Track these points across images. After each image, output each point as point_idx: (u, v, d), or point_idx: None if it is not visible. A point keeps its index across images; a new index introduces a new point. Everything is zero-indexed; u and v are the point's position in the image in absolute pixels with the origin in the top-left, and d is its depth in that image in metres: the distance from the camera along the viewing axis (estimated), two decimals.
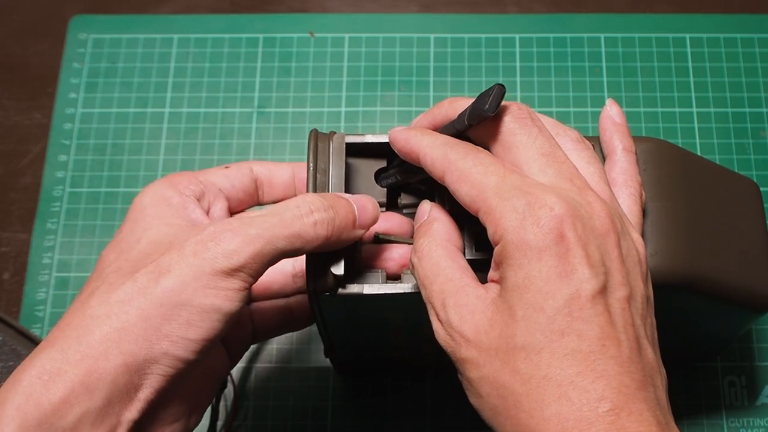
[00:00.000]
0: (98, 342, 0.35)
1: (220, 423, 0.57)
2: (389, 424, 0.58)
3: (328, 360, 0.59)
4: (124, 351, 0.34)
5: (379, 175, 0.45)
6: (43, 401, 0.33)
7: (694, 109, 0.67)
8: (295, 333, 0.60)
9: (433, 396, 0.58)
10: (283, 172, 0.46)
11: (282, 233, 0.37)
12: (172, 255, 0.36)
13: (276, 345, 0.60)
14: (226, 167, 0.44)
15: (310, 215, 0.37)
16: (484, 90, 0.36)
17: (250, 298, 0.40)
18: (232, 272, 0.36)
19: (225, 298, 0.36)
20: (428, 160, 0.37)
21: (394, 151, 0.40)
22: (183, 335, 0.35)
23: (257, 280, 0.37)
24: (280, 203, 0.38)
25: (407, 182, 0.44)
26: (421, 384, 0.59)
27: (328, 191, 0.41)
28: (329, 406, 0.58)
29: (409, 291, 0.40)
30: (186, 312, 0.35)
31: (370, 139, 0.43)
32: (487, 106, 0.35)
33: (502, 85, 0.35)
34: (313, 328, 0.60)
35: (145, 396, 0.35)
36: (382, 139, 0.43)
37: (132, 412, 0.35)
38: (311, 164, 0.41)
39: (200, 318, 0.35)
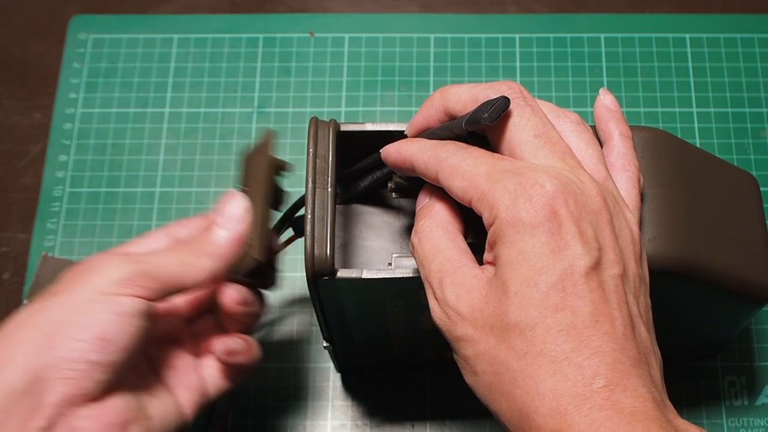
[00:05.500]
0: None
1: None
2: (389, 423, 0.58)
3: (328, 360, 0.59)
4: (18, 362, 0.37)
5: (355, 174, 0.45)
6: None
7: (694, 109, 0.67)
8: (295, 332, 0.60)
9: (433, 395, 0.58)
10: (199, 224, 0.47)
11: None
12: (67, 280, 0.41)
13: (276, 345, 0.60)
14: (141, 236, 0.47)
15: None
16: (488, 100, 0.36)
17: (149, 310, 0.41)
18: (122, 281, 0.39)
19: (113, 302, 0.39)
20: (421, 164, 0.38)
21: (371, 147, 0.42)
22: (77, 337, 0.38)
23: (155, 294, 0.41)
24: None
25: (388, 178, 0.44)
26: (421, 383, 0.59)
27: (328, 177, 0.42)
28: (329, 406, 0.58)
29: (408, 275, 0.41)
30: (78, 317, 0.38)
31: (369, 127, 0.44)
32: (486, 115, 0.35)
33: (507, 99, 0.35)
34: (314, 327, 0.60)
35: (51, 402, 0.37)
36: (383, 127, 0.44)
37: (38, 419, 0.37)
38: (311, 150, 0.42)
39: (91, 320, 0.38)
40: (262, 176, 0.45)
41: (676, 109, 0.67)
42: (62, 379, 0.37)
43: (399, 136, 0.43)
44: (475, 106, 0.37)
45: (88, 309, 0.39)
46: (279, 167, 0.46)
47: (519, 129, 0.36)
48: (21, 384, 0.37)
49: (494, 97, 0.36)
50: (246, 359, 0.46)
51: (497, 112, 0.35)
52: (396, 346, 0.52)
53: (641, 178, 0.40)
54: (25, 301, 0.61)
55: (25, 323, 0.39)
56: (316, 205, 0.41)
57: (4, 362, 0.37)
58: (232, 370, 0.47)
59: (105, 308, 0.39)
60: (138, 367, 0.43)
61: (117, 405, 0.39)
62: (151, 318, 0.41)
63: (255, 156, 0.47)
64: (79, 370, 0.38)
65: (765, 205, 0.57)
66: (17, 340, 0.38)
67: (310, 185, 0.41)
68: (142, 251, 0.45)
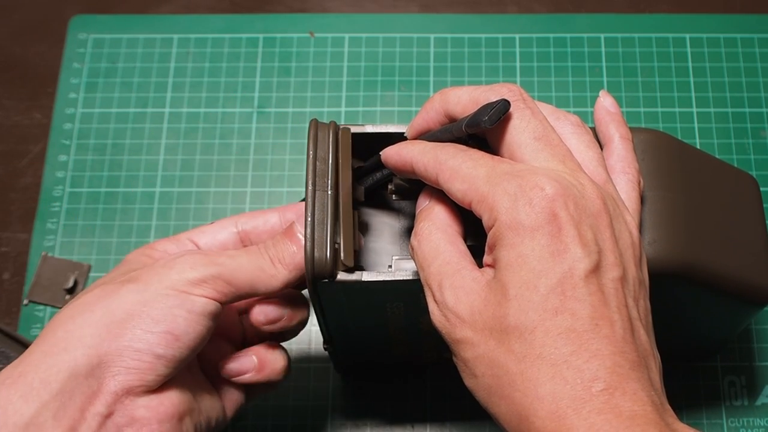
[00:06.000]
0: (60, 339, 0.38)
1: None
2: (389, 424, 0.58)
3: (328, 360, 0.59)
4: (85, 344, 0.38)
5: (357, 174, 0.45)
6: (3, 403, 0.36)
7: (694, 109, 0.67)
8: None
9: (433, 396, 0.58)
10: (269, 218, 0.47)
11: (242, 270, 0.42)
12: (142, 269, 0.41)
13: None
14: (210, 224, 0.48)
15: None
16: (488, 103, 0.36)
17: (219, 312, 0.42)
18: (197, 281, 0.40)
19: (186, 299, 0.40)
20: (421, 166, 0.38)
21: (372, 148, 0.42)
22: (146, 329, 0.38)
23: (227, 298, 0.41)
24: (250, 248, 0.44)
25: (388, 180, 0.45)
26: (421, 384, 0.59)
27: (328, 179, 0.42)
28: (329, 406, 0.58)
29: (408, 278, 0.41)
30: (150, 309, 0.39)
31: (370, 129, 0.44)
32: (486, 118, 0.35)
33: (508, 102, 0.35)
34: (314, 328, 0.60)
35: (111, 389, 0.38)
36: (383, 129, 0.44)
37: (98, 405, 0.37)
38: (311, 152, 0.42)
39: (163, 314, 0.39)
40: (346, 176, 0.44)
41: (676, 109, 0.67)
42: (125, 368, 0.38)
43: (399, 137, 0.43)
44: (475, 109, 0.37)
45: (161, 303, 0.39)
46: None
47: (519, 131, 0.36)
48: (85, 366, 0.37)
49: (494, 99, 0.36)
50: (261, 377, 0.45)
51: (497, 115, 0.35)
52: (396, 346, 0.52)
53: (641, 180, 0.40)
54: (25, 301, 0.61)
55: (96, 305, 0.39)
56: (316, 208, 0.41)
57: (71, 341, 0.38)
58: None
59: (178, 304, 0.39)
60: (191, 362, 0.44)
61: (175, 397, 0.40)
62: (218, 318, 0.42)
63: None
64: (144, 362, 0.38)
65: (765, 206, 0.57)
66: (87, 321, 0.39)
67: (309, 188, 0.41)
68: (208, 242, 0.46)
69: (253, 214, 0.48)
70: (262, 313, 0.44)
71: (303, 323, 0.47)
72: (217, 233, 0.47)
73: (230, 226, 0.47)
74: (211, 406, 0.43)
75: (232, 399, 0.45)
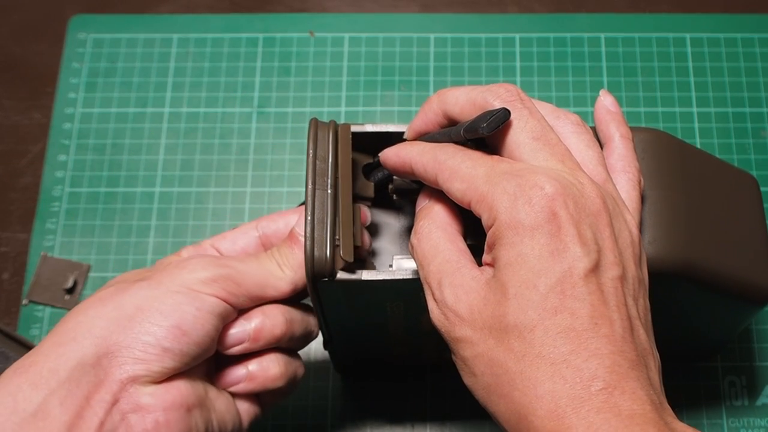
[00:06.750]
0: (70, 329, 0.39)
1: None
2: (389, 424, 0.58)
3: (328, 360, 0.59)
4: (94, 335, 0.38)
5: (367, 170, 0.45)
6: (14, 390, 0.37)
7: (694, 109, 0.67)
8: None
9: (433, 396, 0.58)
10: (290, 220, 0.48)
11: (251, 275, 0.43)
12: (156, 270, 0.43)
13: None
14: (233, 229, 0.49)
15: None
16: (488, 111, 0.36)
17: (229, 314, 0.42)
18: (207, 280, 0.41)
19: (196, 297, 0.40)
20: (420, 166, 0.38)
21: (374, 146, 0.42)
22: (156, 323, 0.39)
23: (237, 299, 0.42)
24: (261, 254, 0.45)
25: (390, 179, 0.45)
26: (421, 384, 0.59)
27: (328, 178, 0.42)
28: (329, 406, 0.58)
29: (408, 277, 0.41)
30: (160, 304, 0.40)
31: (370, 128, 0.44)
32: (485, 125, 0.35)
33: (508, 111, 0.35)
34: None
35: (117, 378, 0.38)
36: (383, 128, 0.44)
37: (104, 393, 0.38)
38: (311, 151, 0.42)
39: (172, 309, 0.40)
40: (346, 173, 0.43)
41: (677, 109, 0.67)
42: (132, 358, 0.38)
43: (398, 137, 0.43)
44: (473, 109, 0.37)
45: (171, 298, 0.40)
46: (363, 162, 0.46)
47: (517, 132, 0.36)
48: (92, 356, 0.38)
49: (491, 99, 0.36)
50: (255, 386, 0.44)
51: (496, 123, 0.35)
52: (396, 346, 0.52)
53: (642, 180, 0.40)
54: (24, 301, 0.61)
55: (108, 300, 0.40)
56: (316, 207, 0.41)
57: (80, 331, 0.39)
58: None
59: (187, 301, 0.40)
60: (209, 364, 0.44)
61: (183, 388, 0.40)
62: (227, 320, 0.42)
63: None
64: (150, 353, 0.39)
65: (765, 206, 0.57)
66: (97, 314, 0.39)
67: (309, 187, 0.41)
68: (229, 247, 0.47)
69: (274, 217, 0.48)
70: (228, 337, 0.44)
71: (307, 336, 0.47)
72: (238, 238, 0.48)
73: (251, 231, 0.48)
74: (226, 409, 0.43)
75: (244, 409, 0.45)
